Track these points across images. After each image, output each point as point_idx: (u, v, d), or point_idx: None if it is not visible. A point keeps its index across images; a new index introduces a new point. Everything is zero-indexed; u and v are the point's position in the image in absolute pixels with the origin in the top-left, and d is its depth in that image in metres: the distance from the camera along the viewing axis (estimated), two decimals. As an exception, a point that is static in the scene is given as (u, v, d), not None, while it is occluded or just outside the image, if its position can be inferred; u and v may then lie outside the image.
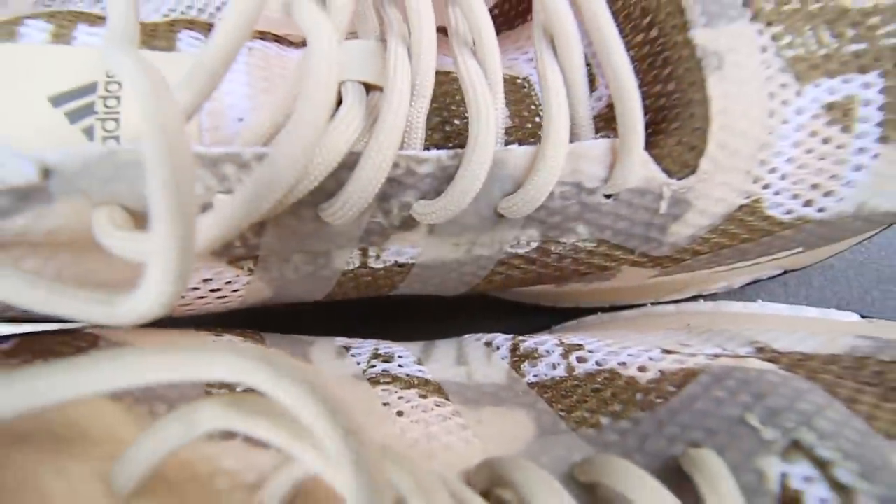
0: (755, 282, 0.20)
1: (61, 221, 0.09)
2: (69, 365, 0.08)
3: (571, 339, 0.15)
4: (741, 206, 0.14)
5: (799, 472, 0.11)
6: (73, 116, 0.11)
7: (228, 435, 0.10)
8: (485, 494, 0.10)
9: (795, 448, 0.11)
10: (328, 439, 0.07)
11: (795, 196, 0.14)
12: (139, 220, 0.10)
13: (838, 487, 0.10)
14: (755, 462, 0.11)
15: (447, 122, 0.13)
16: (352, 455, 0.07)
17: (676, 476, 0.11)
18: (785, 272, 0.19)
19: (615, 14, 0.14)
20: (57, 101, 0.11)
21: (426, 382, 0.13)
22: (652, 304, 0.20)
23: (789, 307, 0.18)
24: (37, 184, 0.09)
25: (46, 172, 0.09)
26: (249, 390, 0.11)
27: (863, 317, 0.17)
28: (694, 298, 0.20)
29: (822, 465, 0.11)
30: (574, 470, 0.11)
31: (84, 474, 0.08)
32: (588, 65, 0.14)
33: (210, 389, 0.11)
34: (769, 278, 0.19)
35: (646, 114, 0.14)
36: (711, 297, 0.20)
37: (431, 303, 0.20)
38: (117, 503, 0.08)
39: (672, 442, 0.11)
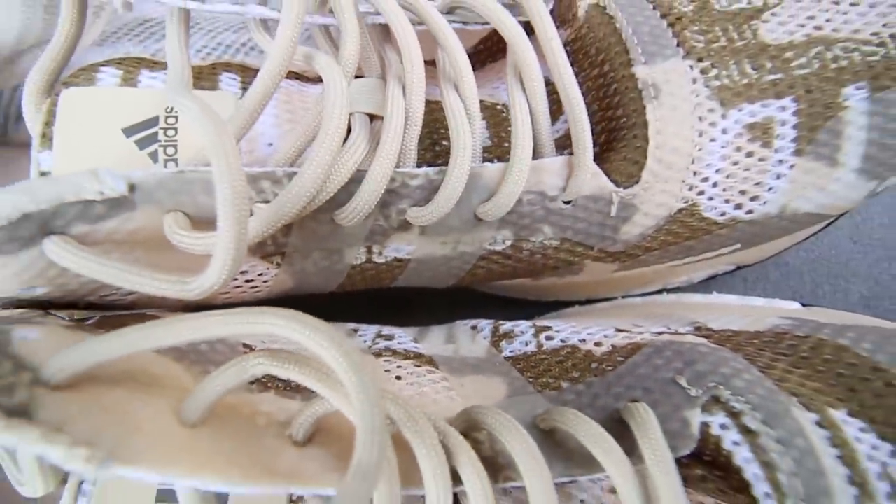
0: (713, 277, 0.22)
1: (140, 224, 0.12)
2: (144, 326, 0.10)
3: (544, 322, 0.17)
4: (681, 210, 0.16)
5: (716, 421, 0.13)
6: (142, 144, 0.14)
7: (265, 388, 0.13)
8: (462, 436, 0.13)
9: (714, 402, 0.14)
10: (346, 378, 0.10)
11: (726, 201, 0.17)
12: (196, 223, 0.13)
13: (746, 431, 0.13)
14: (681, 413, 0.13)
15: (437, 143, 0.16)
16: (363, 391, 0.10)
17: (618, 425, 0.13)
18: (739, 268, 0.22)
19: (576, 52, 0.17)
20: (128, 132, 0.14)
21: (420, 356, 0.16)
22: (622, 297, 0.22)
23: (739, 297, 0.20)
24: (125, 196, 0.12)
25: (132, 187, 0.12)
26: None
27: (804, 305, 0.20)
28: (659, 292, 0.22)
29: (734, 414, 0.13)
30: (536, 419, 0.14)
31: (161, 407, 0.11)
32: (555, 94, 0.17)
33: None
34: (725, 273, 0.22)
35: (600, 134, 0.17)
36: (674, 290, 0.22)
37: (431, 303, 0.22)
38: (185, 430, 0.11)
39: (617, 399, 0.14)
